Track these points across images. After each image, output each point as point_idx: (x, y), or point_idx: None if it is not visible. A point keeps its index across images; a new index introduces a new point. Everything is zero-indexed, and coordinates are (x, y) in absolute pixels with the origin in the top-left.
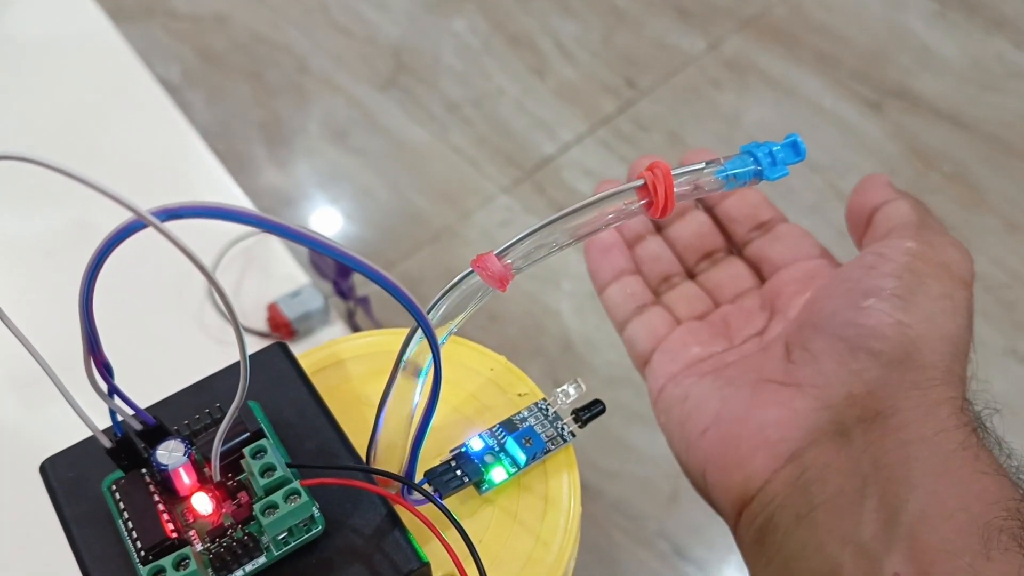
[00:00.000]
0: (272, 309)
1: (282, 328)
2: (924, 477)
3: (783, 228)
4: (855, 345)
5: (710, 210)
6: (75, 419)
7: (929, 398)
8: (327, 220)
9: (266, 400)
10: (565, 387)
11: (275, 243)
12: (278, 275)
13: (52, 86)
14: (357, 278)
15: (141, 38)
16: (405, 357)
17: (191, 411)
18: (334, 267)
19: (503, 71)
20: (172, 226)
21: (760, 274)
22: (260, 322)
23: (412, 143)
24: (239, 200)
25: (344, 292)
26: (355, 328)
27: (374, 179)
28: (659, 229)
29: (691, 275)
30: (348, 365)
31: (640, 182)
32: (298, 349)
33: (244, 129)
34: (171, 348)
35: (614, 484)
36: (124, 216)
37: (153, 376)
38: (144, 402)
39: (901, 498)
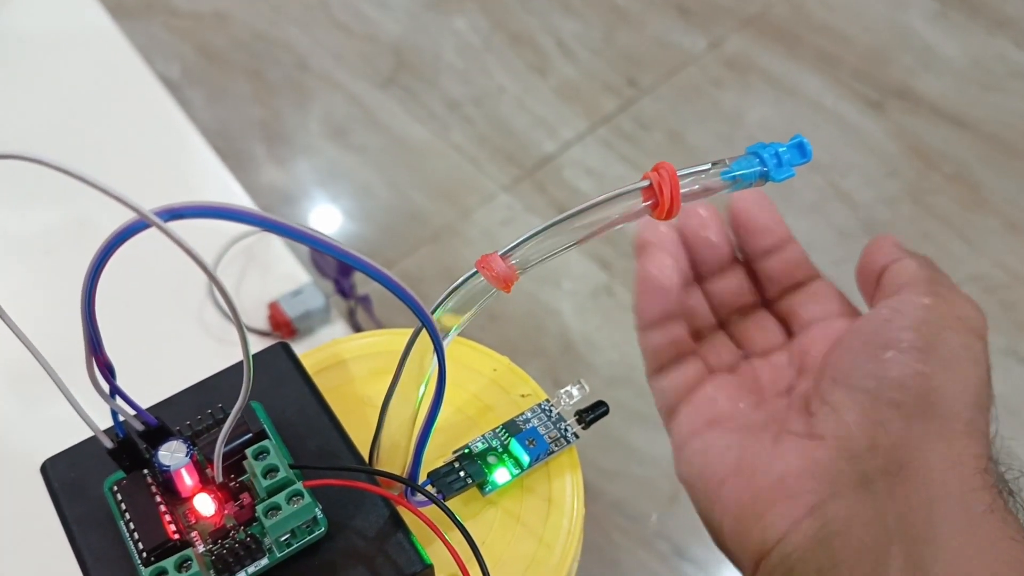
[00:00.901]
0: (273, 308)
1: (283, 327)
2: (951, 539)
3: (815, 285)
4: (877, 396)
5: (749, 263)
6: (74, 419)
7: (953, 451)
8: (327, 218)
9: (268, 400)
10: (569, 388)
11: (276, 242)
12: (279, 274)
13: (53, 83)
14: (358, 277)
15: (141, 35)
16: (409, 357)
17: (193, 411)
18: (335, 266)
19: (504, 69)
20: (173, 225)
21: (789, 328)
22: (261, 321)
23: (412, 141)
24: (239, 198)
25: (345, 291)
26: (356, 327)
27: (374, 177)
28: (698, 280)
29: (722, 325)
30: (350, 365)
31: (646, 183)
32: (299, 348)
33: (244, 127)
34: (171, 347)
35: (614, 484)
36: (124, 215)
37: (153, 375)
38: (144, 402)
39: (927, 559)
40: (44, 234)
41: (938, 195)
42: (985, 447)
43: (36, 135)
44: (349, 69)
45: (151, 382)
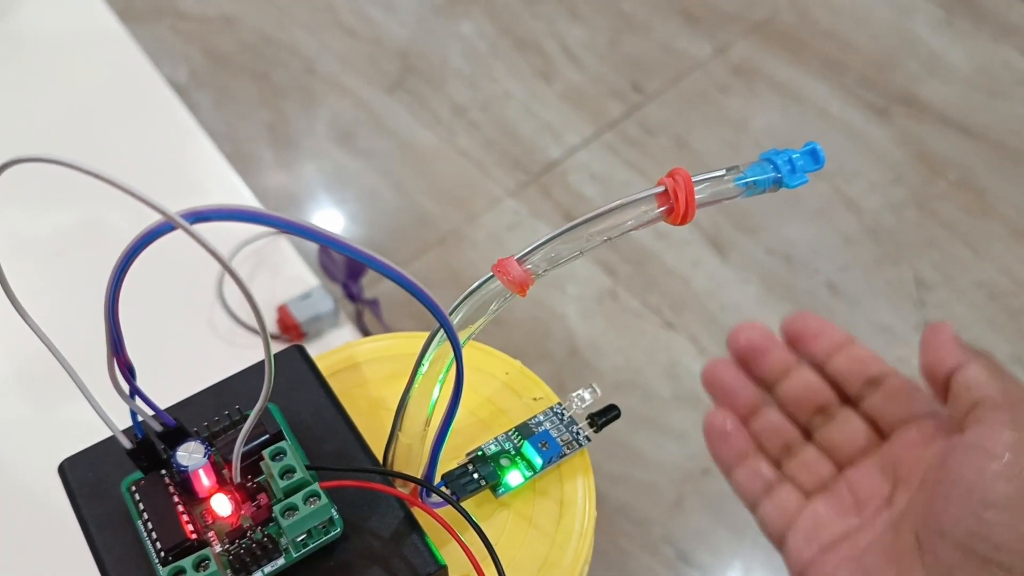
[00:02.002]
0: (282, 311)
1: (292, 330)
2: None
3: (895, 382)
4: (986, 559)
5: (819, 367)
6: (89, 419)
7: None
8: (333, 222)
9: (284, 402)
10: (580, 392)
11: (285, 245)
12: (288, 277)
13: (61, 86)
14: (366, 280)
15: (149, 38)
16: (425, 360)
17: (210, 413)
18: (344, 269)
19: (510, 74)
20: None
21: (877, 430)
22: (270, 324)
23: (419, 145)
24: (249, 201)
25: (354, 294)
26: (364, 331)
27: (380, 181)
28: (768, 387)
29: (807, 433)
30: (364, 368)
31: (660, 188)
32: (309, 351)
33: (251, 130)
34: (181, 349)
35: (619, 489)
36: (135, 217)
37: (163, 377)
38: (157, 403)
39: None
40: (56, 236)
41: (943, 201)
42: None
43: (45, 136)
44: (356, 73)
45: (161, 384)
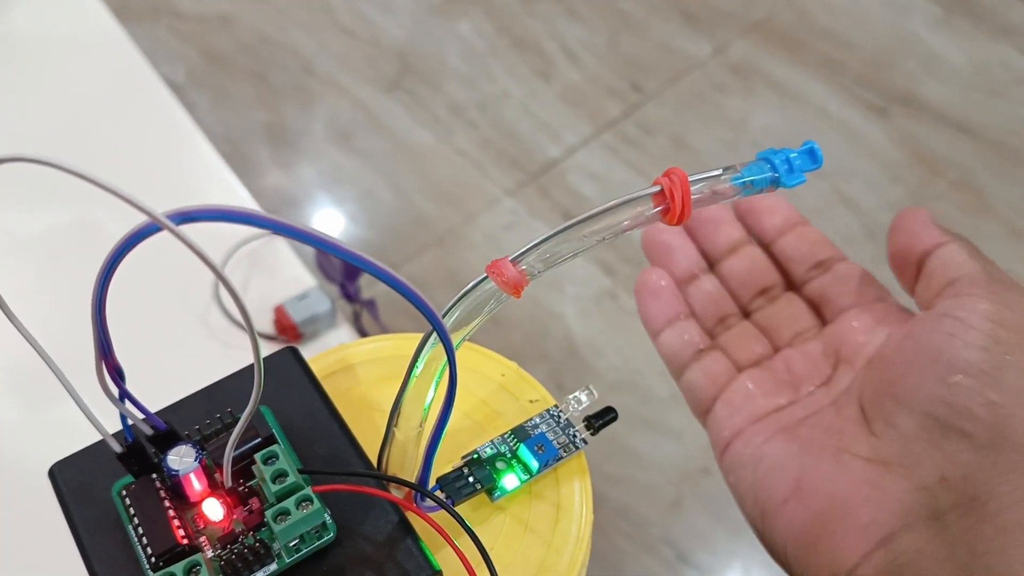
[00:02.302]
0: (279, 312)
1: (288, 331)
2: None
3: (843, 267)
4: (946, 425)
5: (767, 247)
6: (80, 423)
7: None
8: (331, 222)
9: (277, 405)
10: (577, 394)
11: (282, 245)
12: (284, 277)
13: (57, 86)
14: (363, 281)
15: (146, 38)
16: (419, 361)
17: (201, 416)
18: (341, 270)
19: (508, 74)
20: (182, 229)
21: (820, 315)
22: (266, 325)
23: (416, 145)
24: (245, 202)
25: (351, 295)
26: (361, 331)
27: (378, 181)
28: (712, 265)
29: (746, 313)
30: (358, 370)
31: (656, 188)
32: (305, 352)
33: (248, 130)
34: (176, 351)
35: (618, 490)
36: (129, 218)
37: (158, 379)
38: (150, 406)
39: None
40: (48, 237)
41: (942, 201)
42: None
43: (41, 137)
44: (354, 73)
45: (156, 386)
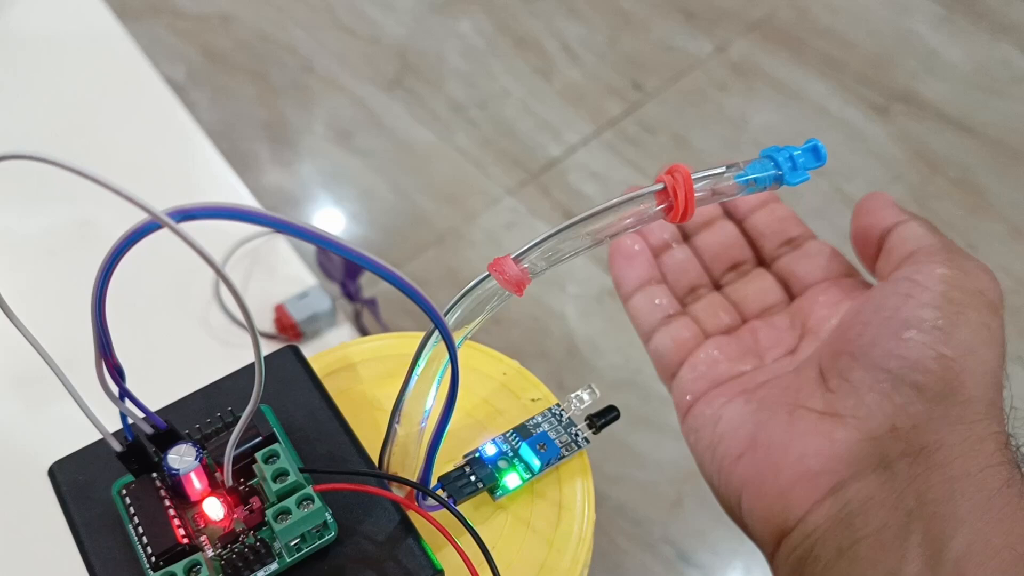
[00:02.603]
0: (279, 310)
1: (289, 330)
2: (969, 514)
3: (812, 245)
4: (898, 378)
5: (739, 222)
6: (79, 421)
7: (974, 433)
8: (331, 221)
9: (278, 404)
10: (579, 392)
11: (282, 244)
12: (285, 276)
13: (58, 84)
14: (363, 280)
15: (146, 37)
16: (421, 360)
17: (202, 415)
18: (342, 269)
19: (508, 73)
20: (183, 227)
21: (788, 290)
22: (267, 323)
23: (417, 144)
24: (246, 200)
25: (351, 294)
26: (362, 330)
27: (378, 180)
28: (686, 237)
29: (717, 286)
30: (359, 368)
31: (660, 186)
32: (305, 351)
33: (248, 129)
34: (176, 350)
35: (618, 489)
36: (128, 216)
37: (157, 378)
38: (150, 405)
39: (946, 534)
40: (47, 235)
41: (942, 200)
42: (1002, 424)
43: (41, 135)
44: (353, 72)
45: (156, 385)
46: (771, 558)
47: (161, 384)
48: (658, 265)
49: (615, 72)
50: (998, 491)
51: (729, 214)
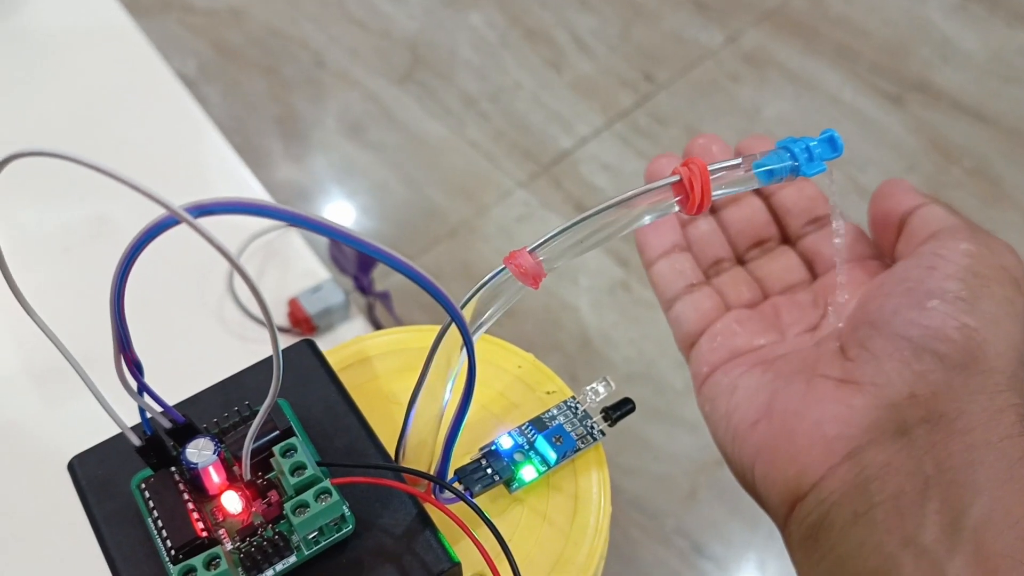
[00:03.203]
0: (293, 304)
1: (303, 324)
2: (989, 483)
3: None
4: (919, 346)
5: (766, 199)
6: (96, 417)
7: (995, 403)
8: (343, 215)
9: (294, 398)
10: (594, 385)
11: (295, 238)
12: (298, 270)
13: (71, 80)
14: (376, 273)
15: (157, 32)
16: (437, 353)
17: (219, 409)
18: (355, 262)
19: (520, 65)
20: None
21: (812, 269)
22: (281, 317)
23: (429, 137)
24: (258, 195)
25: (364, 287)
26: (375, 323)
27: (390, 174)
28: (713, 211)
29: (741, 262)
30: (375, 362)
31: (676, 178)
32: (319, 345)
33: (260, 123)
34: (191, 344)
35: (632, 481)
36: (141, 212)
37: (173, 373)
38: (165, 399)
39: (965, 502)
40: (61, 232)
41: (958, 189)
42: (1023, 397)
43: (54, 132)
44: (365, 65)
45: (171, 380)
46: (783, 525)
47: (176, 379)
48: (683, 234)
49: (626, 63)
50: (1019, 460)
51: (757, 190)
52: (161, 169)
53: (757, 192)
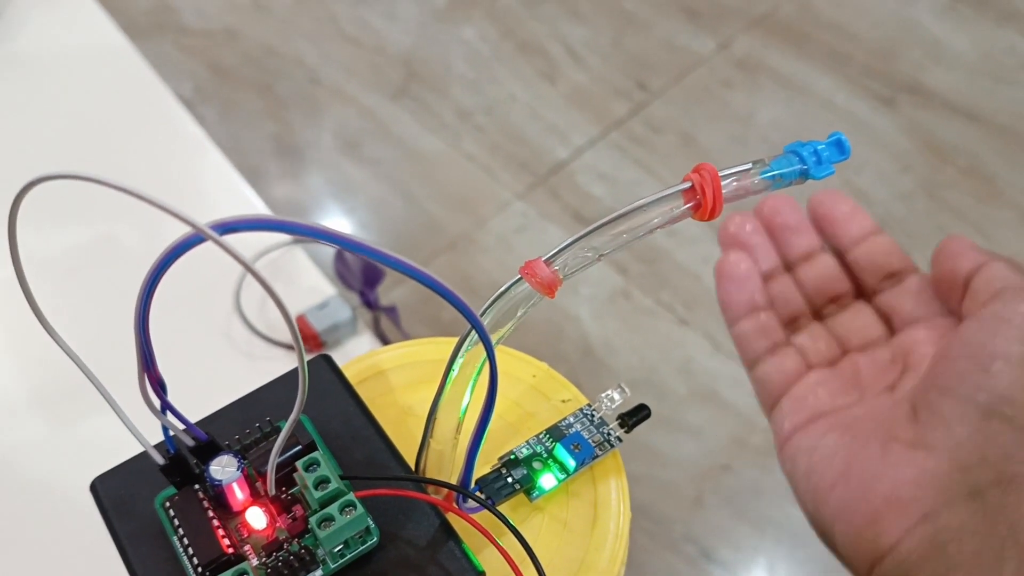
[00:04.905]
0: (300, 321)
1: (310, 340)
2: None
3: (915, 280)
4: (987, 410)
5: (840, 255)
6: (109, 436)
7: None
8: (343, 230)
9: (314, 412)
10: (610, 392)
11: (300, 254)
12: (305, 286)
13: (71, 103)
14: (381, 288)
15: (153, 54)
16: (457, 363)
17: (239, 426)
18: (360, 277)
19: (514, 77)
20: (169, 237)
21: (890, 325)
22: (288, 334)
23: (425, 152)
24: (261, 211)
25: (371, 302)
26: (382, 338)
27: (388, 189)
28: (787, 269)
29: (819, 318)
30: (389, 375)
31: (687, 184)
32: None
33: (257, 142)
34: (199, 362)
35: (638, 488)
36: (146, 232)
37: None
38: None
39: None
40: (66, 254)
41: (953, 189)
42: None
43: (56, 155)
44: (360, 82)
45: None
46: None
47: (186, 397)
48: (764, 291)
49: (620, 73)
50: None
51: (831, 246)
52: (164, 190)
53: (832, 248)
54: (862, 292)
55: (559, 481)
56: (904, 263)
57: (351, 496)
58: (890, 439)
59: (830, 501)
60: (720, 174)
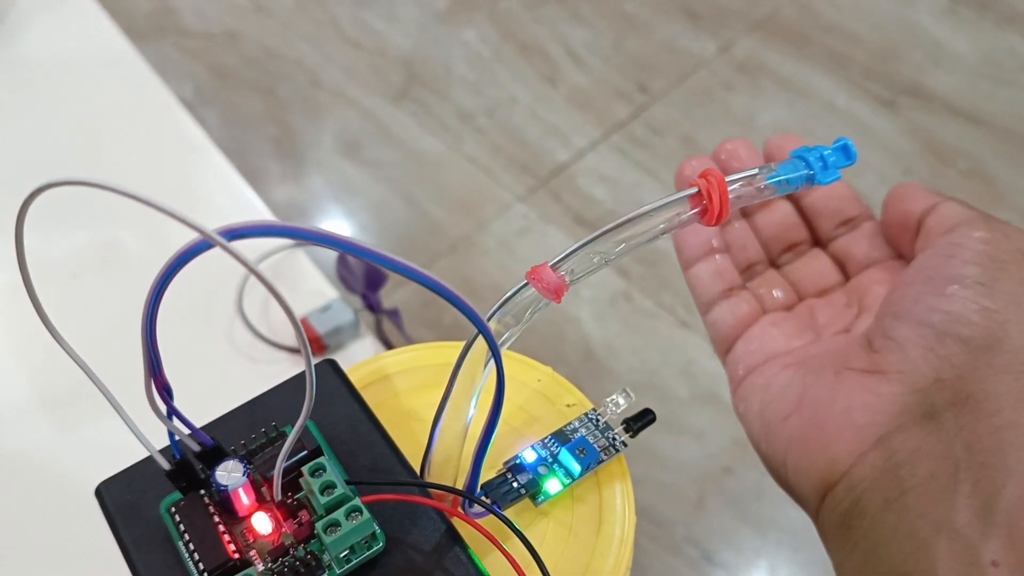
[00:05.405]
0: (302, 323)
1: (313, 343)
2: (1020, 463)
3: (869, 226)
4: (942, 331)
5: (795, 202)
6: (112, 441)
7: (1021, 383)
8: (344, 233)
9: (319, 417)
10: (615, 397)
11: (303, 258)
12: (307, 290)
13: (73, 106)
14: (384, 291)
15: (153, 57)
16: (463, 368)
17: (245, 431)
18: (363, 280)
19: (515, 80)
20: (174, 241)
21: (845, 271)
22: (291, 338)
23: (426, 154)
24: (263, 215)
25: (373, 306)
26: (385, 341)
27: (389, 191)
28: (745, 216)
29: (774, 265)
30: (394, 380)
31: (694, 190)
32: None
33: (258, 144)
34: (201, 367)
35: (640, 491)
36: (148, 238)
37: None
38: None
39: (997, 484)
40: (69, 258)
41: (954, 191)
42: None
43: (58, 159)
44: (361, 84)
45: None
46: (816, 515)
47: (189, 401)
48: (721, 237)
49: (621, 75)
50: None
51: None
52: (165, 192)
53: (787, 195)
54: (818, 240)
55: (564, 486)
56: (859, 209)
57: (357, 501)
58: (844, 368)
59: (782, 433)
60: (726, 180)
